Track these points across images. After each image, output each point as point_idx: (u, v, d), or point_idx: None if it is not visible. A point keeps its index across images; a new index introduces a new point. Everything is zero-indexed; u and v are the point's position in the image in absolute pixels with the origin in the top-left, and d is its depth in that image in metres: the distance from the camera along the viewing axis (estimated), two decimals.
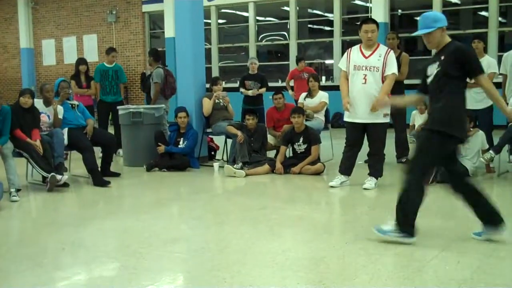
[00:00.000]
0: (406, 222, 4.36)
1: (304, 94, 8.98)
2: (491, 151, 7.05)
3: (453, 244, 4.43)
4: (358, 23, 7.05)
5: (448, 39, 4.47)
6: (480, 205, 4.45)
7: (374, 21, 6.57)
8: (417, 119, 11.44)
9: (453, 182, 4.54)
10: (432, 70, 4.44)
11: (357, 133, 6.58)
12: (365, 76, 6.37)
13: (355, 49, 6.58)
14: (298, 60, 11.42)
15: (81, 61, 10.23)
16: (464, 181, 4.54)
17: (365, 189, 6.51)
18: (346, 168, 6.76)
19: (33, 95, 7.07)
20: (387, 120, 6.53)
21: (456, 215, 5.53)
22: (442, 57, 4.37)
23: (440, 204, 6.03)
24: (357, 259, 4.07)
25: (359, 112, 6.43)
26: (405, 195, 4.36)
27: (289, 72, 11.63)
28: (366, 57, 6.42)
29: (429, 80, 4.47)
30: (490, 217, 4.42)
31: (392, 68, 6.43)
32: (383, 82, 6.40)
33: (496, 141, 7.30)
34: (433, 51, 4.64)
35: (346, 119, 6.62)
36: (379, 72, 6.38)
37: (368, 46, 6.44)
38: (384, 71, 6.39)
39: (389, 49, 6.57)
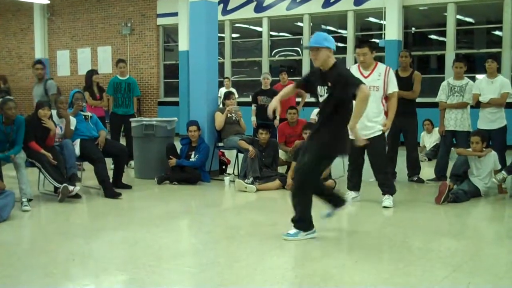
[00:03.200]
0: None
1: (316, 110, 8.97)
2: (503, 172, 7.01)
3: (464, 264, 4.40)
4: (372, 40, 7.08)
5: (332, 63, 4.89)
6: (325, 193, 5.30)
7: (367, 43, 6.68)
8: (426, 139, 11.44)
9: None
10: (323, 92, 4.95)
11: (356, 149, 6.60)
12: None
13: (354, 68, 6.65)
14: (280, 71, 10.86)
15: (93, 72, 10.25)
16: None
17: (385, 207, 6.47)
18: (354, 184, 6.88)
19: (50, 107, 7.14)
20: (381, 132, 6.50)
21: (467, 235, 5.50)
22: (329, 83, 4.84)
23: (451, 224, 6.01)
24: (367, 278, 4.04)
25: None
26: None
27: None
28: (365, 77, 6.47)
29: (321, 99, 5.00)
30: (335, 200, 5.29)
31: (394, 87, 6.54)
32: (385, 100, 6.50)
33: (509, 161, 7.26)
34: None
35: None
36: (379, 91, 6.45)
37: (365, 66, 6.54)
38: (386, 90, 6.46)
39: (388, 68, 6.59)
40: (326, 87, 4.88)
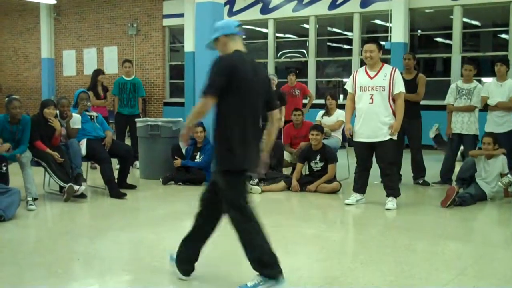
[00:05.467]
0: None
1: (321, 112, 8.97)
2: (509, 175, 6.97)
3: (469, 268, 4.39)
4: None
5: (231, 50, 3.85)
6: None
7: (375, 41, 6.65)
8: None
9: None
10: None
11: (365, 152, 6.62)
12: (372, 96, 6.44)
13: (361, 70, 6.66)
14: (288, 73, 10.65)
15: (99, 71, 10.30)
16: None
17: (387, 209, 6.45)
18: (360, 187, 6.81)
19: (56, 106, 7.15)
20: (394, 137, 6.50)
21: (473, 238, 5.48)
22: None
23: (457, 227, 5.99)
24: (372, 281, 4.04)
25: (366, 131, 6.47)
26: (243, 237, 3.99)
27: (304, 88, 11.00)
28: (371, 78, 6.48)
29: None
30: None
31: (400, 87, 6.46)
32: (392, 101, 6.45)
33: None
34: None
35: (354, 139, 6.65)
36: (385, 91, 6.42)
37: (371, 66, 6.52)
38: (392, 91, 6.43)
39: (394, 68, 6.57)
40: None
